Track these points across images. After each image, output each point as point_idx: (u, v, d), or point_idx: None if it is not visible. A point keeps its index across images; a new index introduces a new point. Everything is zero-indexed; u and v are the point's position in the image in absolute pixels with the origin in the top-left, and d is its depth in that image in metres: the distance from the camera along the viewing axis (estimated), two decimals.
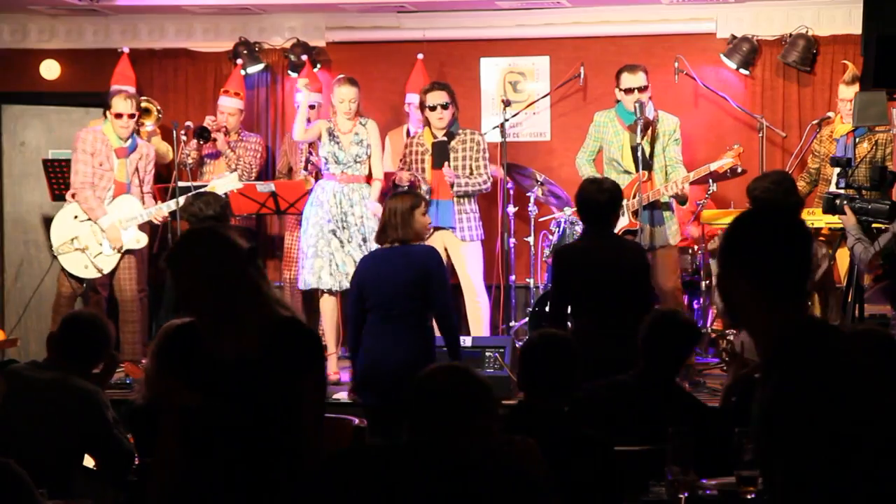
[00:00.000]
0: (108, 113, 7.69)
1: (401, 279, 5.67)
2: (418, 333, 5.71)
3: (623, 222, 7.20)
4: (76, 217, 7.71)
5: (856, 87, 7.58)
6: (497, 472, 2.98)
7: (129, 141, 7.73)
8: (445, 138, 7.73)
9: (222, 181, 7.74)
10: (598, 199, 5.66)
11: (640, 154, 7.12)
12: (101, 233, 7.67)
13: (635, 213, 7.24)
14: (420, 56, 9.00)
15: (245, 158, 8.58)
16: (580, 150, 7.70)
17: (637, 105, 7.22)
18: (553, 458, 3.70)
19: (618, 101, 7.49)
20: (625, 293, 5.53)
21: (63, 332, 4.56)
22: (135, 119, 7.77)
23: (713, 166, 7.20)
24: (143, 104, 8.64)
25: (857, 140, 7.58)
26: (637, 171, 7.15)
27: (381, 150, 7.82)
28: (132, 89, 8.97)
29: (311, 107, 8.72)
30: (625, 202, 7.22)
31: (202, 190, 7.39)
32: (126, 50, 9.22)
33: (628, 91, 7.33)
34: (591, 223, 5.75)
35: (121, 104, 7.66)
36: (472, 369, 3.11)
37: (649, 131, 7.32)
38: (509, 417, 3.92)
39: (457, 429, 2.95)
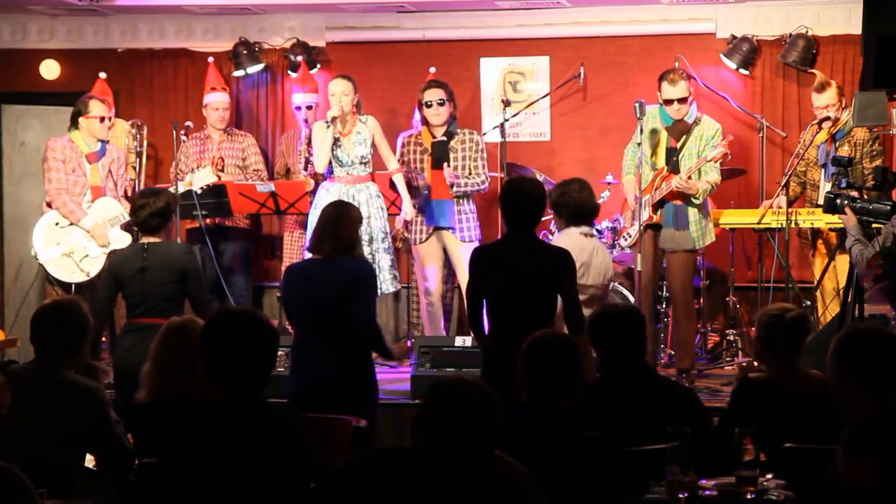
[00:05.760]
0: (80, 119, 7.75)
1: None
2: None
3: (643, 216, 7.20)
4: (57, 224, 7.76)
5: (827, 94, 7.60)
6: (494, 480, 2.98)
7: (99, 145, 7.81)
8: (445, 138, 7.73)
9: (198, 175, 7.80)
10: (527, 197, 5.44)
11: (640, 157, 7.12)
12: (83, 236, 7.71)
13: (655, 208, 7.21)
14: (433, 70, 8.90)
15: (254, 166, 8.64)
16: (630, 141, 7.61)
17: (638, 105, 7.21)
18: (554, 459, 3.71)
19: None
20: (539, 299, 5.33)
21: (33, 328, 4.54)
22: (110, 121, 7.90)
23: (709, 156, 7.19)
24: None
25: (838, 145, 7.59)
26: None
27: (387, 143, 7.67)
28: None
29: (309, 107, 8.71)
30: (646, 197, 7.21)
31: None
32: (104, 76, 9.13)
33: (667, 102, 7.28)
34: (513, 224, 5.49)
35: (98, 107, 7.79)
36: (486, 385, 3.08)
37: (685, 134, 7.27)
38: (510, 418, 3.92)
39: (467, 441, 2.94)
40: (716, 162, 7.24)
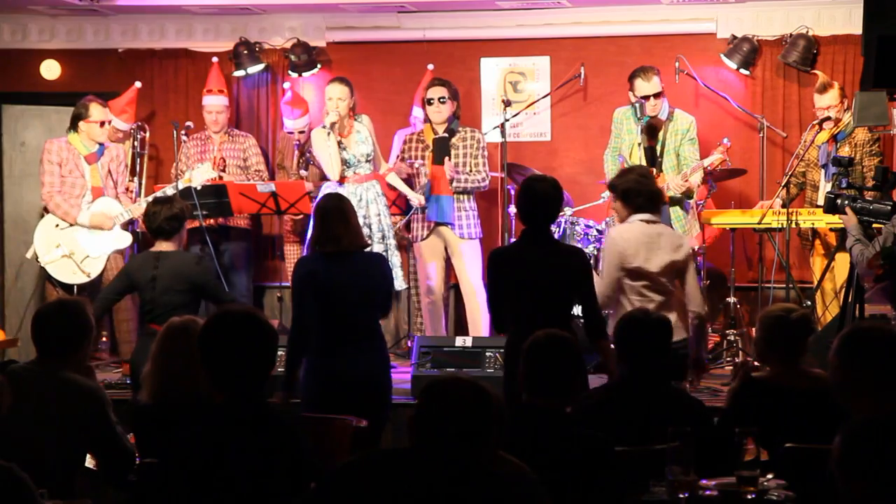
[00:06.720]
0: (80, 123, 7.81)
1: None
2: None
3: None
4: (57, 225, 7.82)
5: (829, 95, 7.61)
6: (496, 480, 2.98)
7: (97, 147, 7.87)
8: (447, 135, 7.75)
9: (197, 172, 7.83)
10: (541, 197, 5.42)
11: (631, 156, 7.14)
12: (84, 237, 7.73)
13: None
14: (430, 66, 8.92)
15: (255, 166, 8.64)
16: (607, 146, 7.69)
17: (637, 106, 7.23)
18: (554, 458, 3.71)
19: (633, 103, 7.44)
20: (558, 299, 5.31)
21: (35, 327, 4.54)
22: (109, 124, 8.03)
23: (705, 163, 7.22)
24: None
25: (839, 145, 7.60)
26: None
27: (378, 145, 7.70)
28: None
29: (301, 132, 8.71)
30: None
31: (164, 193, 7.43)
32: (139, 85, 9.11)
33: (644, 98, 7.30)
34: (529, 224, 5.47)
35: (98, 111, 7.84)
36: (484, 384, 3.07)
37: (661, 131, 7.31)
38: (512, 418, 3.92)
39: (465, 440, 2.94)
40: (713, 168, 7.29)
